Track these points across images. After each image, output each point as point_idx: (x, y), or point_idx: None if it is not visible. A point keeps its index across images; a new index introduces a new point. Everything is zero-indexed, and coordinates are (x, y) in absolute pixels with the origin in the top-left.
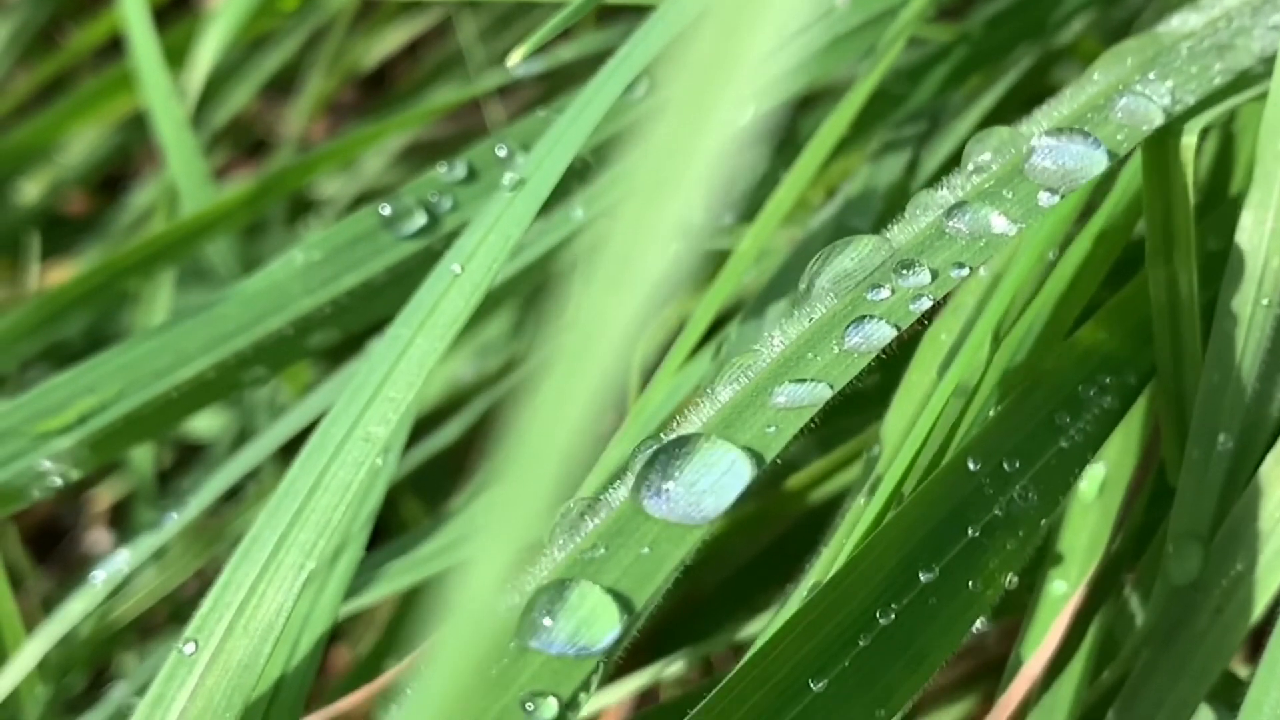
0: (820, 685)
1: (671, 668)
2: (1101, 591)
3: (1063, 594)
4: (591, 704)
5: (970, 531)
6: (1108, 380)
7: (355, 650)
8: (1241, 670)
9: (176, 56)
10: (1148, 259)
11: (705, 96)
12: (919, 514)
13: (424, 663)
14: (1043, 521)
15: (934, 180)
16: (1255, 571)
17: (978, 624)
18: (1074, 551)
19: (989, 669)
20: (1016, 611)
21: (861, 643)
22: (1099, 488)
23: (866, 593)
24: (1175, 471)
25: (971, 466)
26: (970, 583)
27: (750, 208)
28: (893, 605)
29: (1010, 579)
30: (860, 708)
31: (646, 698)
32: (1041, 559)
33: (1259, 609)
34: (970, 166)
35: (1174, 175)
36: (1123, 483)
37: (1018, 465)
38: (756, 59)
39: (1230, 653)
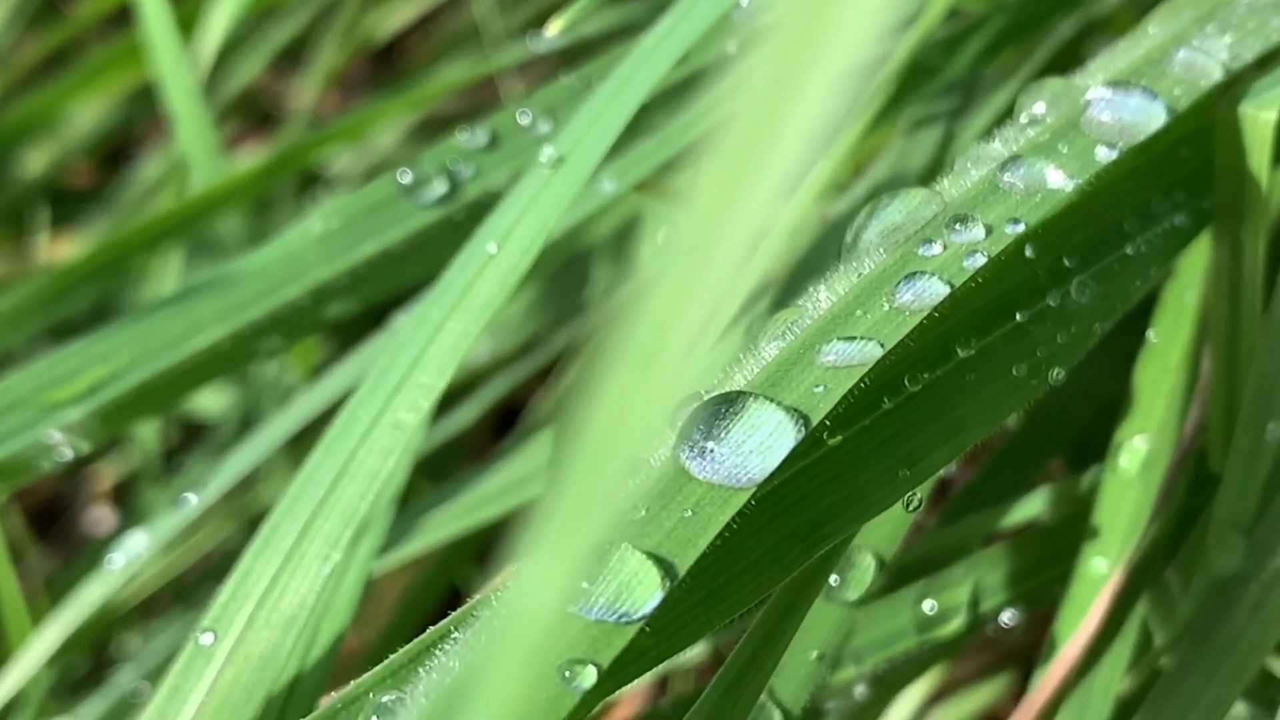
0: (836, 439)
1: (686, 654)
2: (1141, 577)
3: (1102, 573)
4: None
5: (1018, 317)
6: (1182, 197)
7: (361, 633)
8: (1279, 668)
9: (185, 27)
10: (1215, 213)
11: (790, 80)
12: (961, 294)
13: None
14: (1096, 325)
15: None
16: None
17: (1006, 615)
18: (1113, 529)
19: (1013, 658)
20: (1044, 602)
21: (886, 405)
22: (1140, 464)
23: (895, 360)
24: (1219, 458)
25: (1028, 254)
26: (1014, 368)
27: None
28: (924, 375)
29: (1057, 374)
30: (881, 464)
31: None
32: (1076, 537)
33: None
34: (1024, 119)
35: (1251, 152)
36: (1163, 462)
37: (1077, 261)
38: (848, 43)
39: (1267, 650)
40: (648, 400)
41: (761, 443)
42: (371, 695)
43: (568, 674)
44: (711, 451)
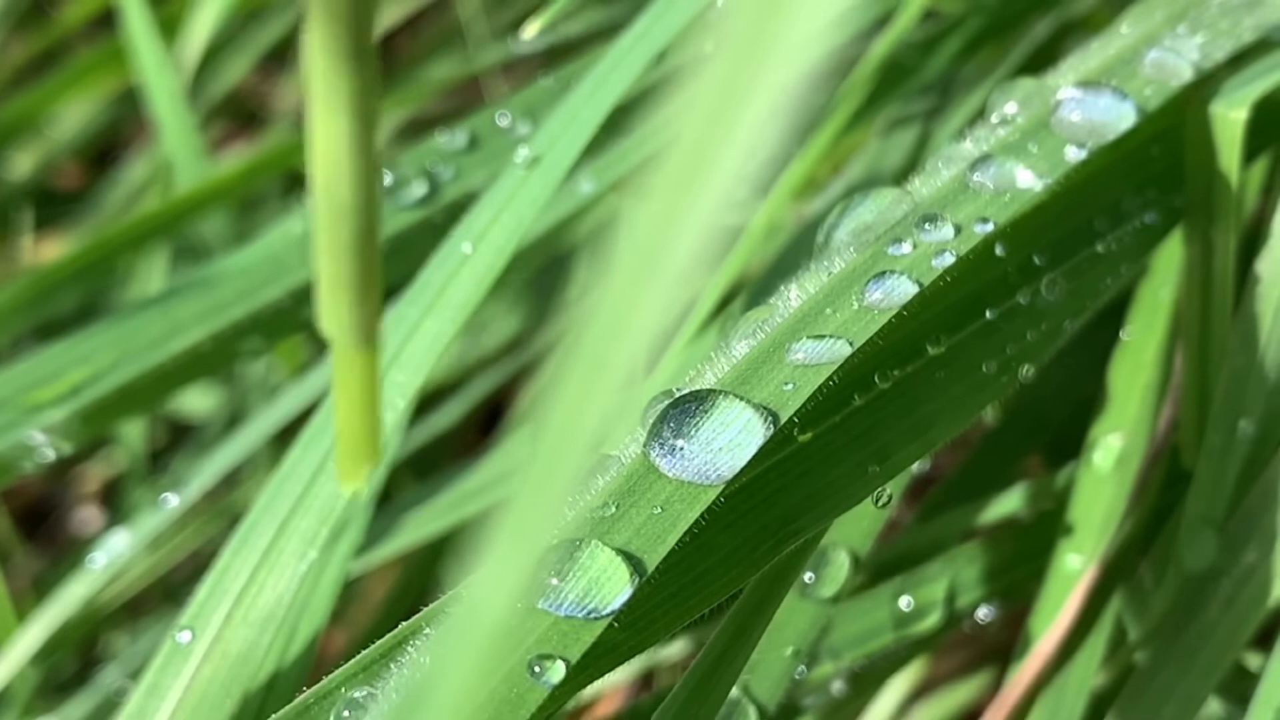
0: (806, 436)
1: (668, 649)
2: (1114, 573)
3: (1076, 570)
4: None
5: (988, 314)
6: (1153, 195)
7: (348, 631)
8: (1252, 661)
9: (172, 27)
10: (1186, 211)
11: (743, 76)
12: (932, 291)
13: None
14: (1066, 322)
15: None
16: (1268, 562)
17: (982, 611)
18: (1088, 525)
19: (992, 655)
20: (1021, 598)
21: (856, 401)
22: (1115, 461)
23: (865, 357)
24: (1192, 454)
25: (999, 252)
26: (984, 365)
27: (757, 181)
28: (894, 372)
29: (1027, 371)
30: (851, 460)
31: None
32: (1051, 533)
33: (1271, 601)
34: (995, 118)
35: (1221, 151)
36: (1138, 458)
37: (1047, 259)
38: (799, 40)
39: (1241, 645)
40: (600, 398)
41: (731, 440)
42: (344, 690)
43: (536, 669)
44: (681, 449)
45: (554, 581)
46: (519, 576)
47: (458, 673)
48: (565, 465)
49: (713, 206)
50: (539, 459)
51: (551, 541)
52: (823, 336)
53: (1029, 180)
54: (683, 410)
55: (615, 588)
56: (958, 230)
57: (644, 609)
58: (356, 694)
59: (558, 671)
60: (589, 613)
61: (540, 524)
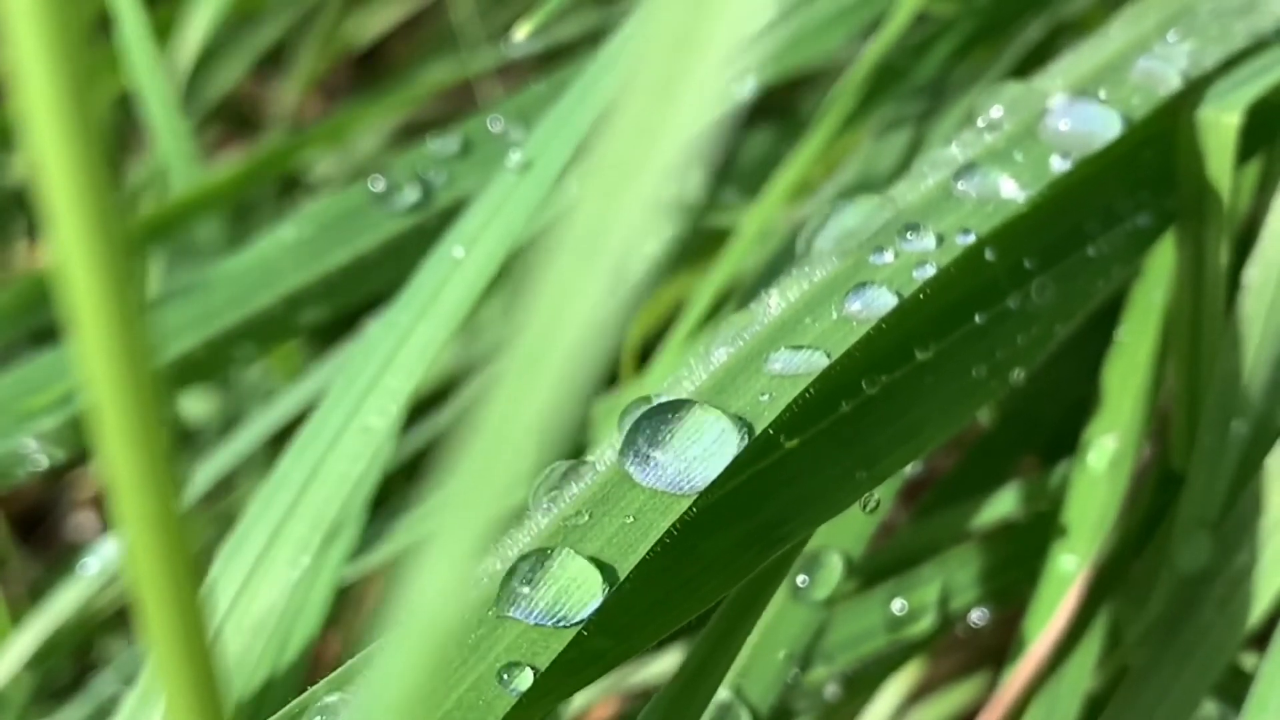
0: (793, 443)
1: (665, 663)
2: (1109, 575)
3: (1070, 571)
4: (579, 697)
5: (977, 319)
6: (1145, 197)
7: (344, 637)
8: (1247, 662)
9: (166, 31)
10: (1178, 213)
11: (680, 66)
12: (923, 294)
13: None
14: (1056, 326)
15: None
16: (1262, 563)
17: (976, 614)
18: (1082, 527)
19: (986, 657)
20: (1015, 600)
21: (844, 407)
22: (1109, 462)
23: (853, 362)
24: (1183, 456)
25: (988, 256)
26: (973, 370)
27: (750, 185)
28: (882, 377)
29: (1018, 375)
30: (838, 466)
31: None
32: (1045, 535)
33: (1265, 602)
34: (981, 123)
35: (1214, 155)
36: (1131, 459)
37: (1037, 263)
38: (734, 29)
39: (1235, 646)
40: (539, 396)
41: (705, 450)
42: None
43: (505, 676)
44: (655, 459)
45: (524, 590)
46: (452, 582)
47: (398, 674)
48: (500, 468)
49: (642, 212)
50: (471, 471)
51: (524, 548)
52: (800, 347)
53: (1012, 190)
54: (657, 419)
55: (585, 596)
56: (940, 240)
57: (628, 617)
58: (329, 699)
59: (526, 679)
60: (558, 621)
61: (469, 538)
